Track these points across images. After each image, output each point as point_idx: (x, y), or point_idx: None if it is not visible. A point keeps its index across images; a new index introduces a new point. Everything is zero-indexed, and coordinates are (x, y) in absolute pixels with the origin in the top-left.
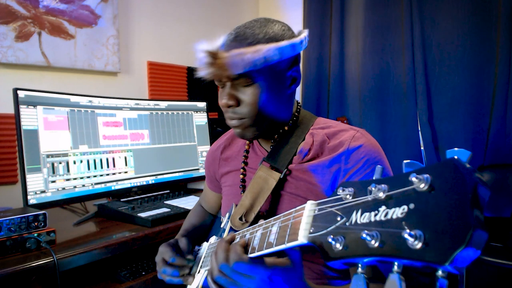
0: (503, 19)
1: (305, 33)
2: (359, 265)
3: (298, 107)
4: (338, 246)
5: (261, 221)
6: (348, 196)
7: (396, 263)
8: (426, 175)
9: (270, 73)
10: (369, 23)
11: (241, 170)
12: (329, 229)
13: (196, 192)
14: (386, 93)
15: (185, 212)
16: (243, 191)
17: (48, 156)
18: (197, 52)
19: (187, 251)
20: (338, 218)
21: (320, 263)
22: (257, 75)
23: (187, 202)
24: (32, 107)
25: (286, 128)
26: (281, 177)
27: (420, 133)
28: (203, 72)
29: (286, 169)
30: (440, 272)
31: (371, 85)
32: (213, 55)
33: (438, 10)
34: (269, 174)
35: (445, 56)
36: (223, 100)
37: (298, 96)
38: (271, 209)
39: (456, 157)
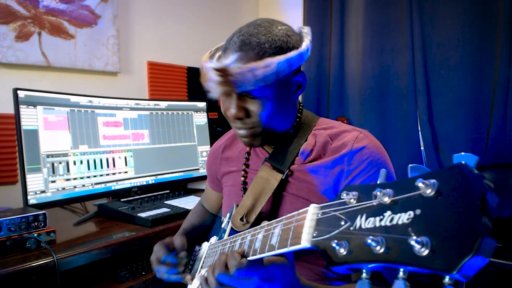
0: (503, 19)
1: (309, 37)
2: (364, 270)
3: (300, 107)
4: (342, 251)
5: (264, 223)
6: (352, 200)
7: (401, 270)
8: (433, 181)
9: (278, 83)
10: (369, 23)
11: (243, 172)
12: (332, 233)
13: (196, 192)
14: (386, 93)
15: (185, 212)
16: (245, 193)
17: (48, 156)
18: (207, 71)
19: (181, 249)
20: (342, 223)
21: (320, 265)
22: (266, 88)
23: (187, 202)
24: (32, 107)
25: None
26: (283, 178)
27: (420, 133)
28: (214, 91)
29: (288, 170)
30: (447, 280)
31: (371, 85)
32: (223, 71)
33: (438, 10)
34: (270, 174)
35: (445, 56)
36: (231, 112)
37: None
38: (272, 210)
39: (463, 162)
